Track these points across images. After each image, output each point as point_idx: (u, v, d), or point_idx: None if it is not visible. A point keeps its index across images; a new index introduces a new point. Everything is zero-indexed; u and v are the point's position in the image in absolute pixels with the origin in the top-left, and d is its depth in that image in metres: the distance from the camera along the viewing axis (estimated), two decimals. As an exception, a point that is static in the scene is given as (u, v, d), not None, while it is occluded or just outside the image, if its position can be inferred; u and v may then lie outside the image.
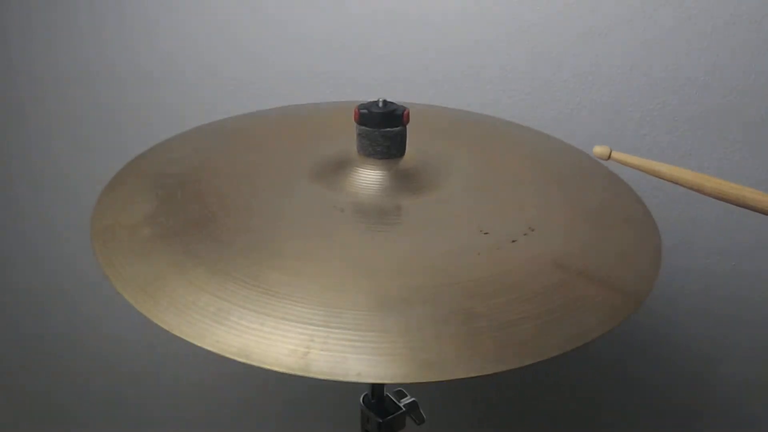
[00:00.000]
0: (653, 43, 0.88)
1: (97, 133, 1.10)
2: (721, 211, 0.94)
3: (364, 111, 0.64)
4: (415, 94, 0.96)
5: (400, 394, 0.71)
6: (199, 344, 0.47)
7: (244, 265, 0.52)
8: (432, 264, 0.54)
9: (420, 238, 0.58)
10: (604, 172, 0.73)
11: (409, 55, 0.96)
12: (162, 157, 0.71)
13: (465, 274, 0.53)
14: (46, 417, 1.31)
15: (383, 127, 0.64)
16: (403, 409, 0.70)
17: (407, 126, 0.65)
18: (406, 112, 0.64)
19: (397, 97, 0.67)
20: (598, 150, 0.50)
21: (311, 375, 0.45)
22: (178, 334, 0.48)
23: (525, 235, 0.58)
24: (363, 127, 0.64)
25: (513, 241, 0.57)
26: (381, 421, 0.69)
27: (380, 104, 0.64)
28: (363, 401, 0.71)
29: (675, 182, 0.49)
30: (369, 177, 0.64)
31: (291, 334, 0.47)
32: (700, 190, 0.48)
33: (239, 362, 0.46)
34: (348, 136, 0.66)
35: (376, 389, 0.70)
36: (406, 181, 0.64)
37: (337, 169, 0.65)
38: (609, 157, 0.50)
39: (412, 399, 0.71)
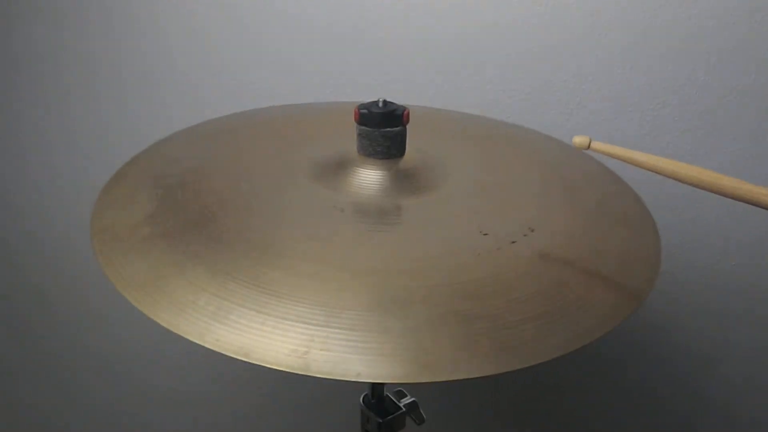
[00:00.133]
0: (653, 43, 0.88)
1: (97, 133, 1.10)
2: (721, 211, 0.94)
3: (364, 111, 0.64)
4: (415, 94, 0.96)
5: (400, 394, 0.71)
6: (199, 343, 0.47)
7: (244, 265, 0.52)
8: (432, 264, 0.54)
9: (420, 239, 0.58)
10: (604, 172, 0.73)
11: (409, 55, 0.96)
12: (162, 157, 0.70)
13: (465, 274, 0.53)
14: (45, 417, 1.31)
15: (383, 127, 0.64)
16: (403, 409, 0.70)
17: (407, 126, 0.65)
18: (406, 112, 0.64)
19: (397, 97, 0.67)
20: (578, 140, 0.51)
21: (311, 374, 0.45)
22: (179, 333, 0.48)
23: (525, 235, 0.58)
24: (363, 127, 0.64)
25: (513, 242, 0.57)
26: (381, 421, 0.69)
27: (380, 104, 0.64)
28: (363, 401, 0.71)
29: (652, 170, 0.50)
30: (369, 177, 0.64)
31: (291, 334, 0.47)
32: (676, 178, 0.49)
33: (239, 362, 0.46)
34: (348, 136, 0.66)
35: (376, 389, 0.70)
36: (406, 181, 0.64)
37: (337, 169, 0.65)
38: (589, 147, 0.51)
39: (412, 399, 0.71)
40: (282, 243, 0.56)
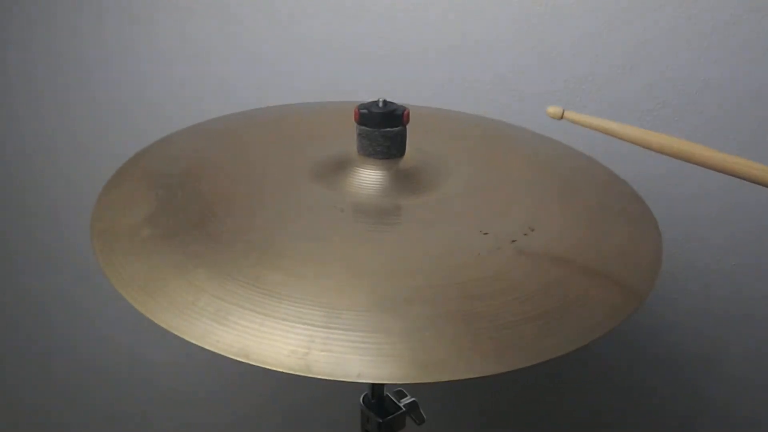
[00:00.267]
0: (653, 43, 0.88)
1: (97, 133, 1.10)
2: (721, 210, 0.94)
3: (364, 111, 0.64)
4: (415, 94, 0.96)
5: (400, 394, 0.71)
6: (199, 344, 0.47)
7: (245, 266, 0.52)
8: (432, 264, 0.54)
9: (420, 239, 0.58)
10: (604, 172, 0.73)
11: (409, 55, 0.96)
12: (162, 157, 0.70)
13: (465, 274, 0.53)
14: (45, 417, 1.31)
15: (383, 127, 0.64)
16: (403, 409, 0.70)
17: (407, 126, 0.65)
18: (406, 112, 0.64)
19: (397, 97, 0.67)
20: (552, 110, 0.52)
21: (311, 375, 0.45)
22: (179, 334, 0.48)
23: (525, 235, 0.58)
24: (363, 127, 0.64)
25: (513, 241, 0.57)
26: (381, 421, 0.69)
27: (380, 104, 0.64)
28: (363, 401, 0.71)
29: (624, 139, 0.50)
30: (369, 177, 0.64)
31: (291, 335, 0.47)
32: (646, 146, 0.50)
33: (239, 363, 0.46)
34: (348, 136, 0.66)
35: (376, 389, 0.70)
36: (406, 181, 0.64)
37: (337, 169, 0.65)
38: (562, 117, 0.52)
39: (412, 399, 0.71)
40: (282, 243, 0.56)
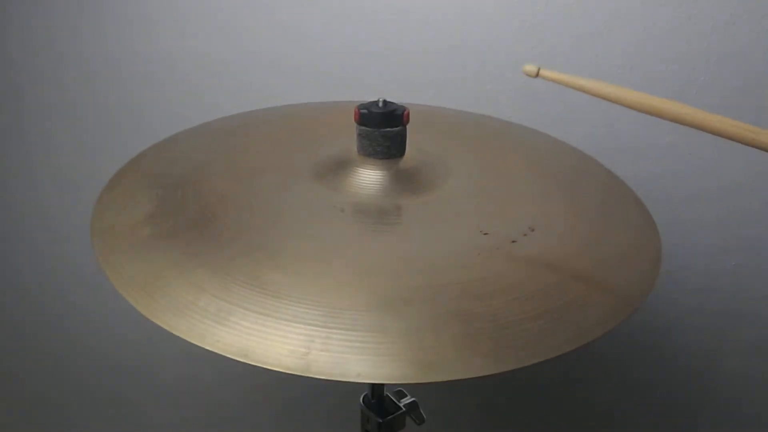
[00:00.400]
0: (653, 43, 0.88)
1: (97, 133, 1.10)
2: (721, 210, 0.94)
3: (364, 111, 0.64)
4: (415, 94, 0.96)
5: (400, 394, 0.71)
6: (199, 344, 0.47)
7: (245, 265, 0.52)
8: (432, 264, 0.54)
9: (420, 238, 0.58)
10: (604, 172, 0.73)
11: (409, 55, 0.96)
12: (162, 157, 0.70)
13: (465, 274, 0.53)
14: (45, 417, 1.31)
15: (383, 127, 0.64)
16: (403, 409, 0.70)
17: (407, 126, 0.65)
18: (406, 112, 0.64)
19: (397, 97, 0.67)
20: (527, 68, 0.52)
21: (311, 375, 0.45)
22: (178, 334, 0.48)
23: (525, 235, 0.58)
24: (363, 127, 0.64)
25: (513, 241, 0.57)
26: (381, 421, 0.69)
27: (380, 104, 0.64)
28: (363, 401, 0.71)
29: (599, 96, 0.51)
30: (369, 177, 0.64)
31: (291, 335, 0.47)
32: (622, 102, 0.50)
33: (239, 363, 0.46)
34: (348, 136, 0.66)
35: (376, 389, 0.70)
36: (406, 181, 0.64)
37: (337, 169, 0.65)
38: (537, 75, 0.52)
39: (412, 399, 0.71)
40: (282, 243, 0.56)
